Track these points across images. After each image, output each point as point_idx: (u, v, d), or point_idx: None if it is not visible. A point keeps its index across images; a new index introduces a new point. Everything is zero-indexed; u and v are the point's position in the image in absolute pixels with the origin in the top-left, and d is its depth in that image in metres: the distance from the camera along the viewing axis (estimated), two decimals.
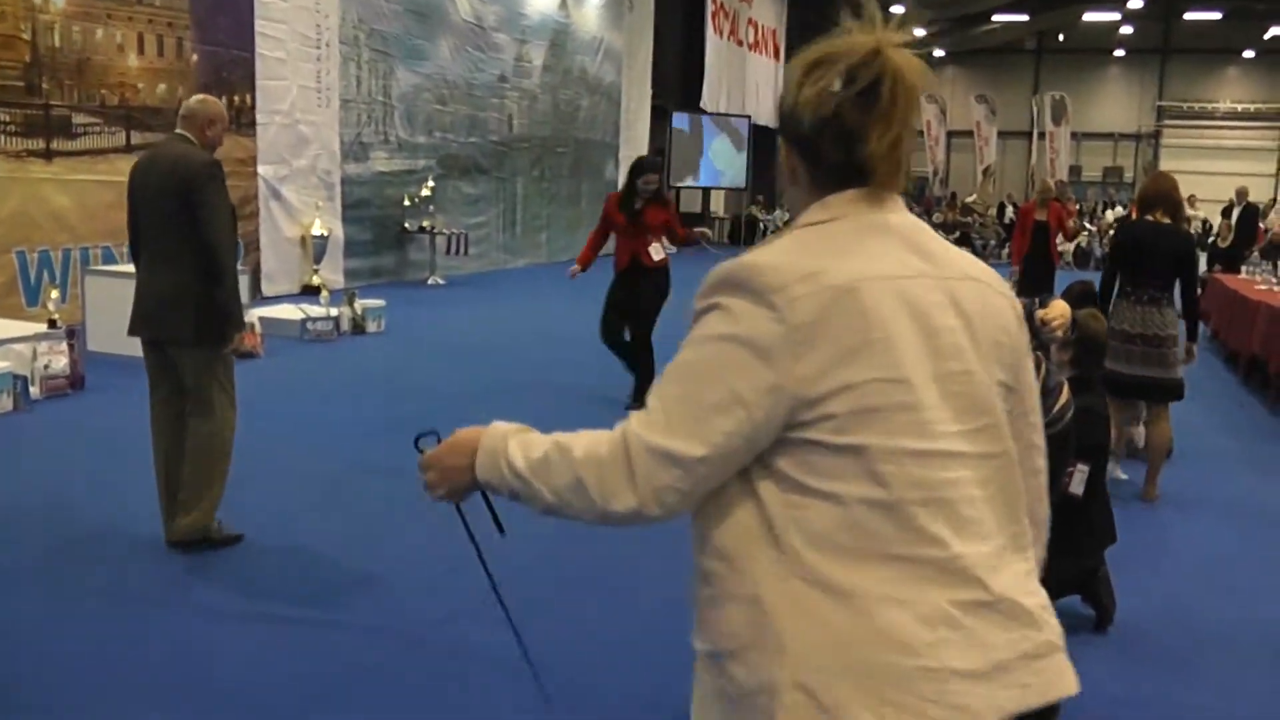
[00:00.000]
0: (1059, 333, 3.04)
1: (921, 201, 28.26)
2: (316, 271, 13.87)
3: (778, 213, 27.73)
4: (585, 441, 1.59)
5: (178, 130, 5.01)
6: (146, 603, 4.57)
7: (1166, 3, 33.70)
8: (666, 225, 8.05)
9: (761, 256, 1.56)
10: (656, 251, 7.94)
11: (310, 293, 13.02)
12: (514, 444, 1.65)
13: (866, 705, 1.46)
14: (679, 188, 26.65)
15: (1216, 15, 33.14)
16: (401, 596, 4.72)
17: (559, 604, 4.67)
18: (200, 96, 5.15)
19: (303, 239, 13.85)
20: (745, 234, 27.53)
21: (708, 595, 1.61)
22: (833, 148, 1.59)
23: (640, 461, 1.52)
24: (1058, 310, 3.08)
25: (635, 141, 23.80)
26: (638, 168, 8.07)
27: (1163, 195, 6.62)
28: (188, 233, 4.79)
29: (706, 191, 27.45)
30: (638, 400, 7.43)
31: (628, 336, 8.12)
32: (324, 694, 3.85)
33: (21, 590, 4.64)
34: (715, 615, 1.59)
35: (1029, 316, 2.88)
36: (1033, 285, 11.50)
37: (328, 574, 4.93)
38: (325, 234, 13.96)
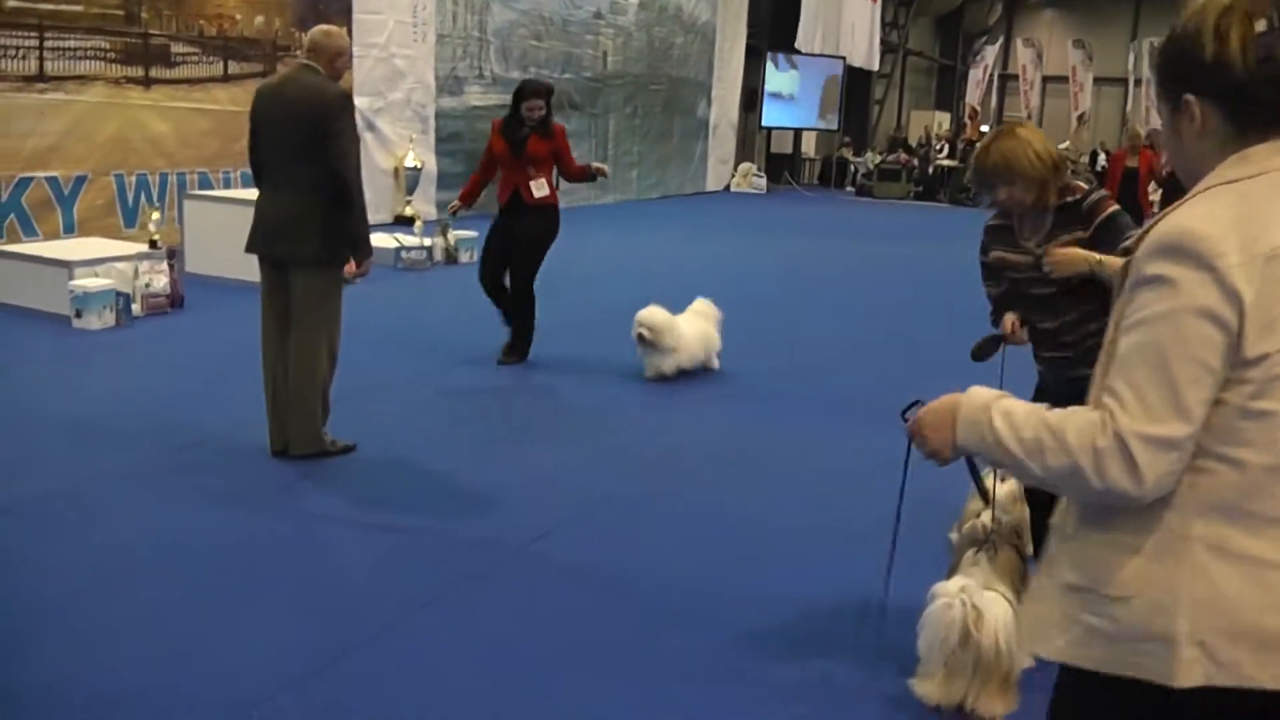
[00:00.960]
0: None
1: None
2: (409, 203, 13.90)
3: (869, 154, 27.18)
4: (1075, 426, 1.60)
5: (304, 61, 5.09)
6: (261, 506, 4.65)
7: None
8: (555, 158, 7.06)
9: (1194, 222, 1.56)
10: (539, 187, 6.95)
11: (403, 223, 13.06)
12: (999, 419, 1.68)
13: (1263, 667, 1.55)
14: (770, 128, 26.27)
15: None
16: (502, 513, 4.70)
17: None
18: (324, 28, 5.19)
19: (396, 170, 13.88)
20: (836, 175, 27.06)
21: (1097, 539, 1.67)
22: (1268, 91, 1.58)
23: (1140, 453, 1.54)
24: None
25: (729, 80, 23.43)
26: (519, 91, 7.03)
27: None
28: (316, 159, 4.86)
29: (798, 133, 27.01)
30: (510, 354, 7.09)
31: (507, 282, 7.14)
32: (431, 599, 3.86)
33: (139, 493, 4.76)
34: (1104, 558, 1.66)
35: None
36: None
37: (431, 488, 4.96)
38: (419, 166, 13.98)
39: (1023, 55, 32.30)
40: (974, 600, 3.17)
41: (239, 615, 3.68)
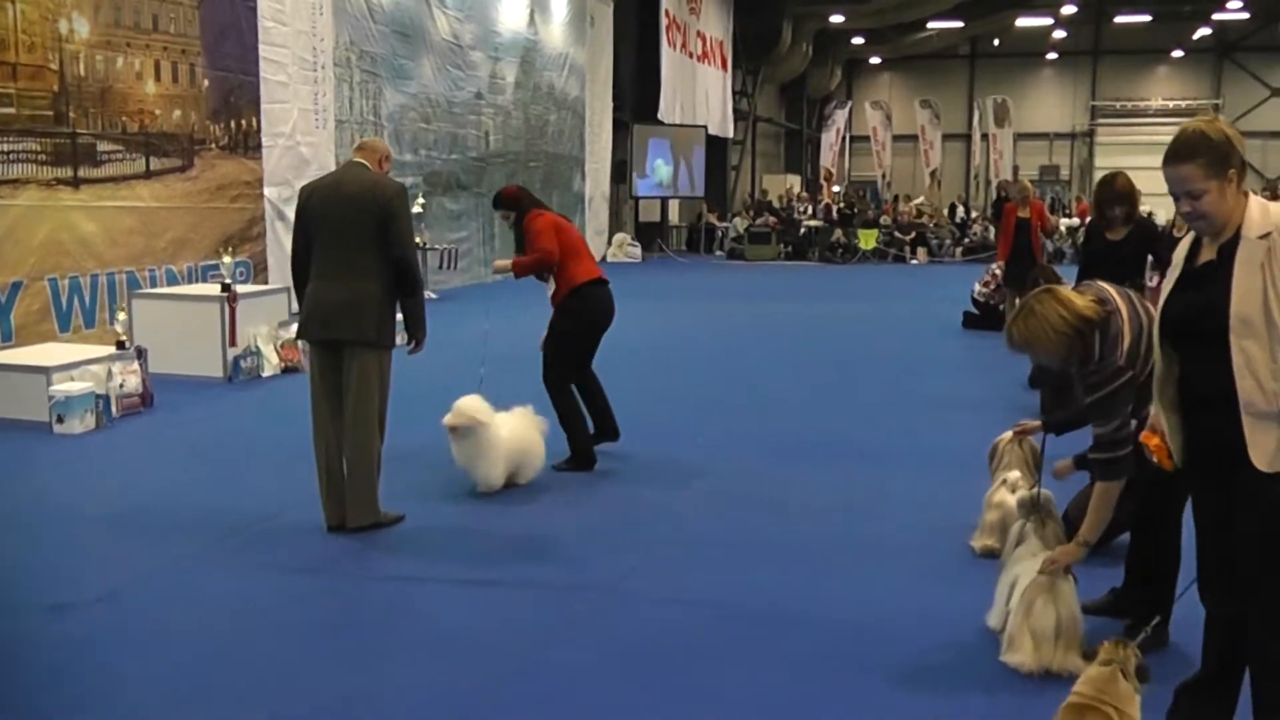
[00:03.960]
0: None
1: (879, 205, 28.93)
2: None
3: (737, 219, 28.24)
4: None
5: (356, 159, 5.56)
6: (343, 575, 4.95)
7: (1097, 6, 34.98)
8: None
9: None
10: (549, 288, 6.77)
11: None
12: None
13: None
14: (639, 198, 27.13)
15: (1146, 17, 34.47)
16: (574, 558, 5.10)
17: None
18: (373, 138, 5.67)
19: None
20: (705, 241, 28.07)
21: None
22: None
23: None
24: None
25: (600, 154, 24.25)
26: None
27: (1122, 194, 6.98)
28: (376, 248, 5.29)
29: (664, 201, 27.96)
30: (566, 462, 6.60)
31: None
32: (546, 639, 4.24)
33: (212, 575, 4.95)
34: None
35: None
36: (1019, 279, 12.12)
37: (496, 544, 5.34)
38: None
39: (872, 117, 34.10)
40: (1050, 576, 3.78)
41: (375, 674, 3.97)
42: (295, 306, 5.63)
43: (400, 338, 5.57)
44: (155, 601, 4.62)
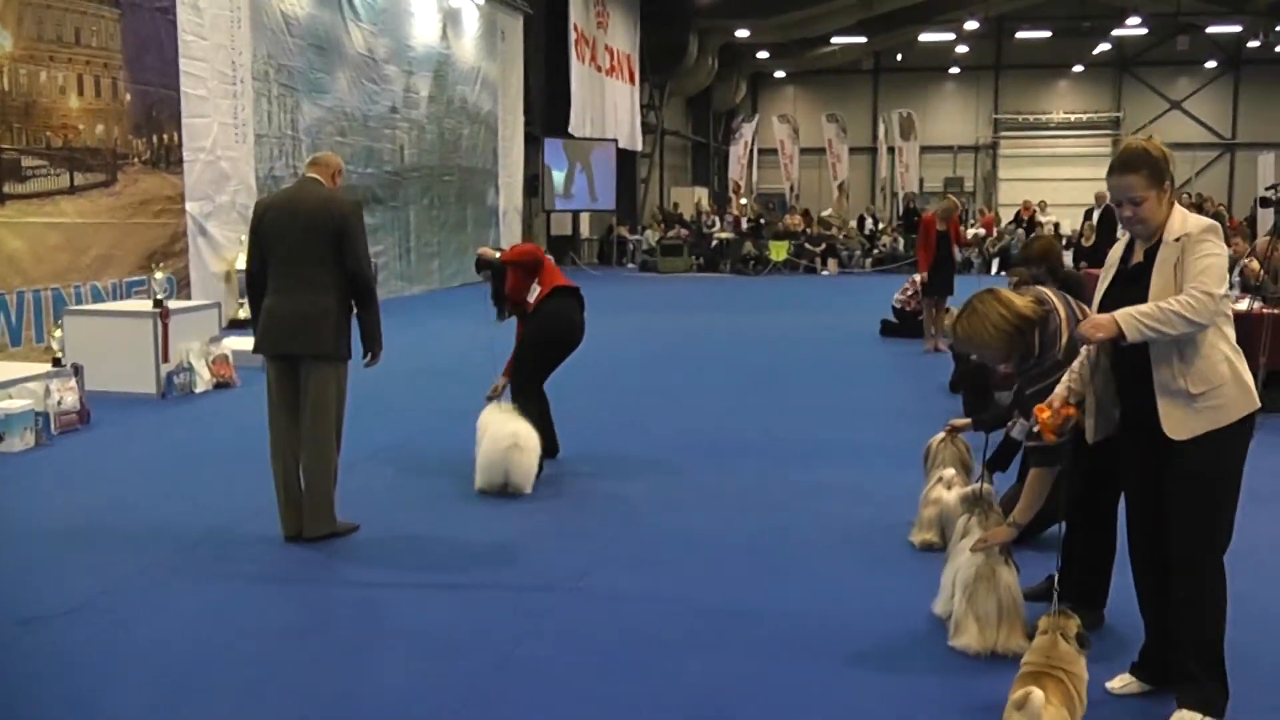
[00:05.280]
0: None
1: (785, 216, 29.49)
2: (242, 305, 14.00)
3: (648, 231, 28.57)
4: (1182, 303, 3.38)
5: (309, 174, 5.68)
6: (308, 583, 5.09)
7: (999, 23, 36.13)
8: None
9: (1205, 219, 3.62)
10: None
11: (238, 326, 13.19)
12: (1142, 312, 3.39)
13: None
14: (549, 212, 27.30)
15: (1046, 33, 35.67)
16: (531, 561, 5.30)
17: None
18: (324, 152, 5.98)
19: (227, 274, 13.98)
20: (616, 253, 28.37)
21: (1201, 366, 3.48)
22: None
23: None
24: None
25: (512, 168, 24.40)
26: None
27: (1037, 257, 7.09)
28: (331, 262, 5.44)
29: (575, 215, 28.20)
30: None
31: None
32: (515, 637, 4.44)
33: (178, 587, 5.03)
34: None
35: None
36: (939, 288, 12.64)
37: (455, 550, 5.50)
38: None
39: (779, 131, 34.71)
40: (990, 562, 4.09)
41: (354, 677, 4.14)
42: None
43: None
44: (125, 613, 4.71)
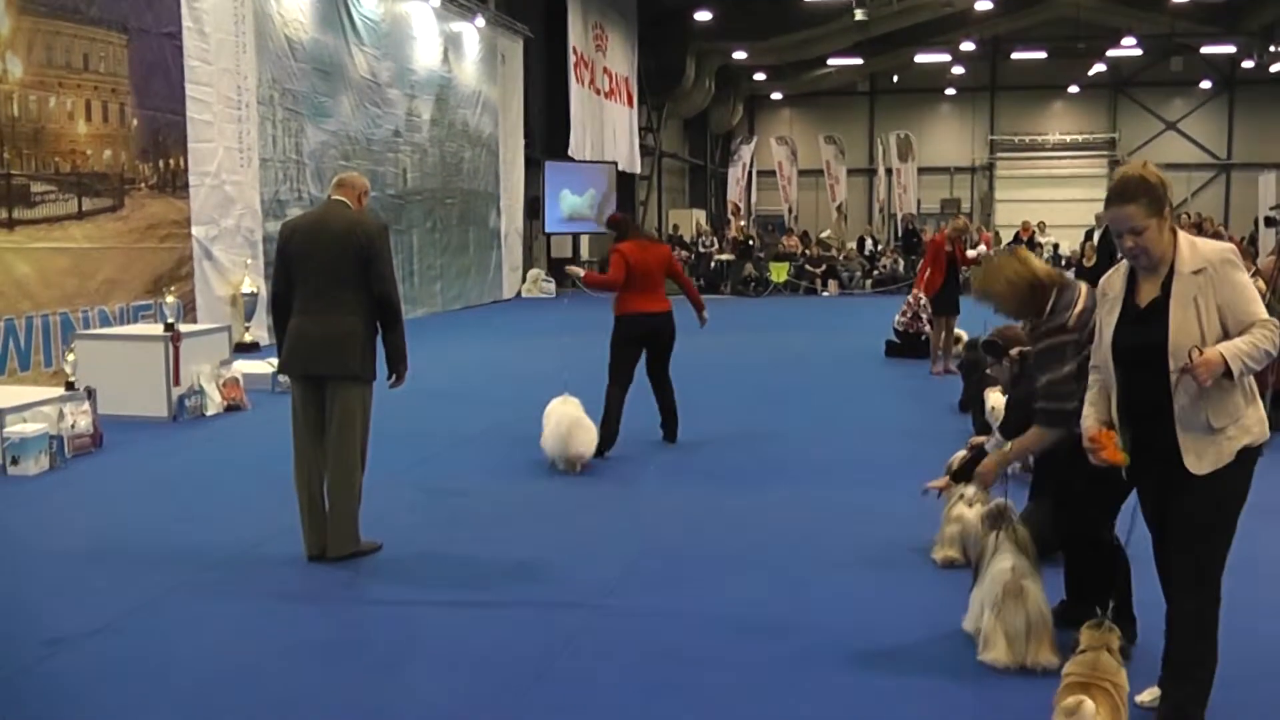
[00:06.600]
0: None
1: (783, 237, 29.59)
2: (248, 329, 14.05)
3: None
4: (1263, 334, 3.35)
5: (335, 196, 5.71)
6: (337, 601, 5.11)
7: (994, 44, 36.32)
8: None
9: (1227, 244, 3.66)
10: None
11: (245, 349, 13.22)
12: (1242, 348, 3.33)
13: None
14: (551, 234, 27.36)
15: (1041, 54, 35.84)
16: (558, 578, 5.32)
17: None
18: (350, 172, 5.95)
19: (233, 298, 14.03)
20: None
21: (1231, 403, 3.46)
22: None
23: None
24: None
25: (513, 190, 24.48)
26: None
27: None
28: (358, 283, 5.47)
29: (576, 237, 28.29)
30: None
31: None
32: (547, 652, 4.46)
33: (206, 606, 5.06)
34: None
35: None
36: (945, 307, 12.66)
37: (480, 567, 5.51)
38: (254, 291, 14.16)
39: (778, 152, 34.85)
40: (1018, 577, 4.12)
41: (389, 693, 4.15)
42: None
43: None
44: (153, 633, 4.72)
